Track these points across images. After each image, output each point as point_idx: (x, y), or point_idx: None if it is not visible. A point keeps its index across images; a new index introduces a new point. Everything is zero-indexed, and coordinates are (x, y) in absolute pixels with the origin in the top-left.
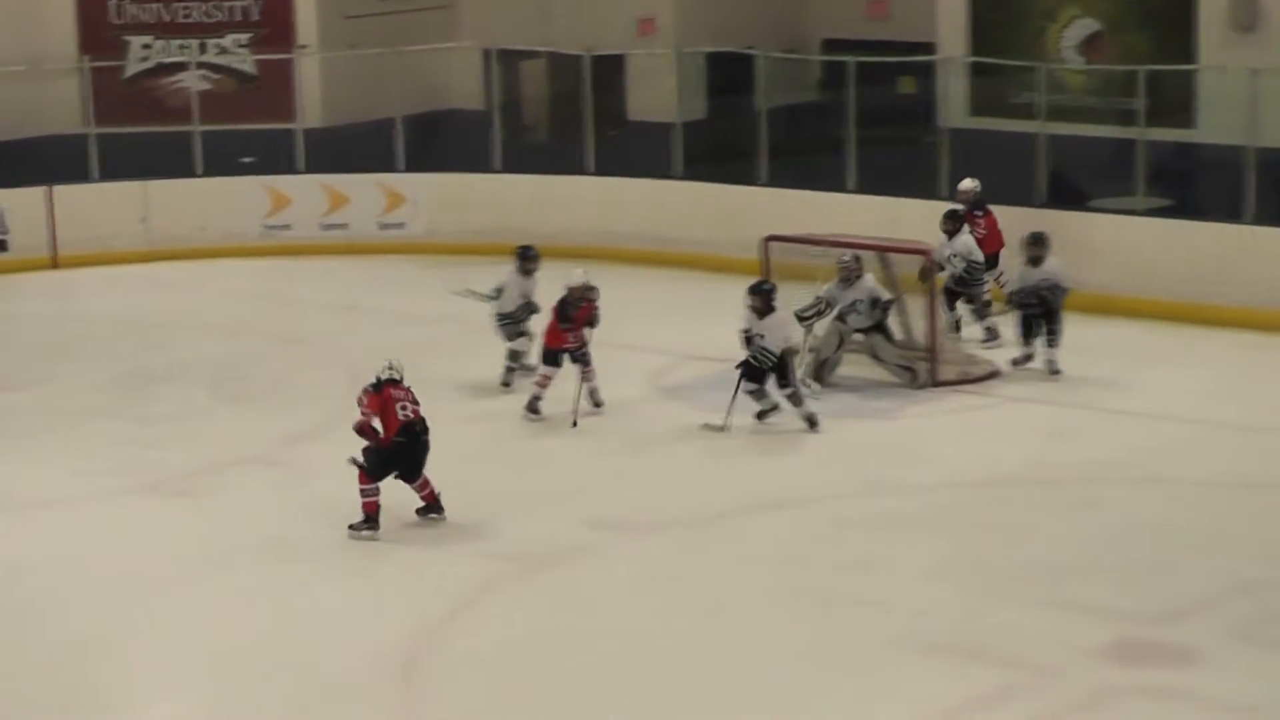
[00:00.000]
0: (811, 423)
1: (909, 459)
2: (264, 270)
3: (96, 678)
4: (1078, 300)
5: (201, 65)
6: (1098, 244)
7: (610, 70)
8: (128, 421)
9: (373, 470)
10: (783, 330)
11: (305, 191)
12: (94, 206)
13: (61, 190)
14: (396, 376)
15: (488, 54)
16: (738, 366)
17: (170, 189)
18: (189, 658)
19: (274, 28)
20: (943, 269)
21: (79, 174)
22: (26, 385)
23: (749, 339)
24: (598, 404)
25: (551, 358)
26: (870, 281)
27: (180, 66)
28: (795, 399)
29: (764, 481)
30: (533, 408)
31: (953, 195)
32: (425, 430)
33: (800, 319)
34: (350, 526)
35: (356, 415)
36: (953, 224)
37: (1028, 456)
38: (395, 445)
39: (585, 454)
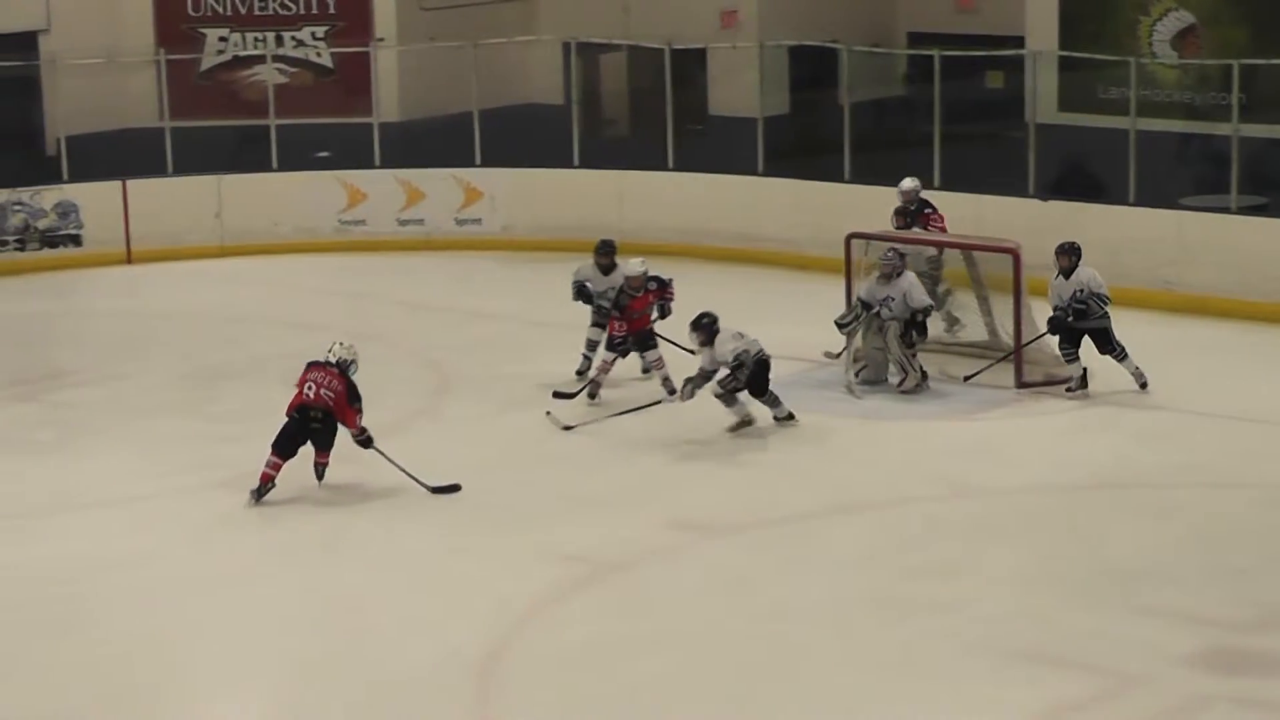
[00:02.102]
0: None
1: (991, 461)
2: (339, 266)
3: (164, 676)
4: (1169, 300)
5: (278, 58)
6: (1189, 243)
7: (691, 64)
8: (199, 418)
9: (275, 442)
10: (710, 355)
11: (381, 186)
12: (168, 201)
13: (136, 184)
14: (330, 360)
15: (567, 47)
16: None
17: (245, 184)
18: (260, 656)
19: (351, 20)
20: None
21: (154, 168)
22: (98, 381)
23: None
24: (671, 392)
25: (610, 345)
26: (908, 282)
27: (256, 60)
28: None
29: (842, 483)
30: (591, 393)
31: (1038, 192)
32: (318, 419)
33: (840, 327)
34: (250, 490)
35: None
36: (903, 220)
37: (1113, 459)
38: (288, 421)
39: (660, 453)
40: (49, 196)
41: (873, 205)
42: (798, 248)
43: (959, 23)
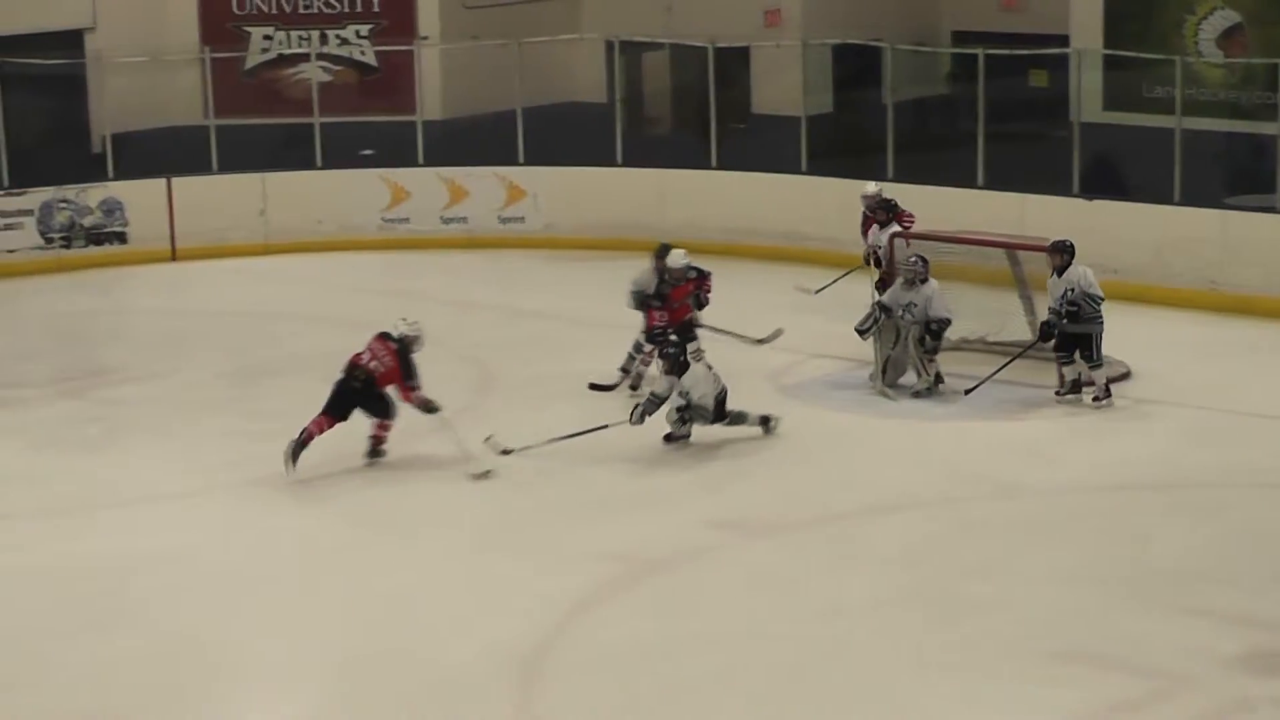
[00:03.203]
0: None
1: (1034, 461)
2: (382, 264)
3: (208, 674)
4: (1213, 300)
5: (322, 57)
6: (1234, 242)
7: (735, 62)
8: (243, 416)
9: (327, 402)
10: (669, 383)
11: (425, 185)
12: (213, 199)
13: (181, 182)
14: (392, 333)
15: (610, 46)
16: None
17: (289, 181)
18: (302, 654)
19: (395, 19)
20: (880, 264)
21: (198, 166)
22: (143, 378)
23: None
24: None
25: (651, 336)
26: (931, 289)
27: (301, 58)
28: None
29: (885, 482)
30: (633, 384)
31: (1082, 192)
32: (359, 379)
33: (860, 333)
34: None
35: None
36: (885, 215)
37: (1157, 459)
38: (339, 379)
39: (702, 453)
40: (94, 194)
41: (916, 205)
42: (840, 247)
43: (1003, 21)
